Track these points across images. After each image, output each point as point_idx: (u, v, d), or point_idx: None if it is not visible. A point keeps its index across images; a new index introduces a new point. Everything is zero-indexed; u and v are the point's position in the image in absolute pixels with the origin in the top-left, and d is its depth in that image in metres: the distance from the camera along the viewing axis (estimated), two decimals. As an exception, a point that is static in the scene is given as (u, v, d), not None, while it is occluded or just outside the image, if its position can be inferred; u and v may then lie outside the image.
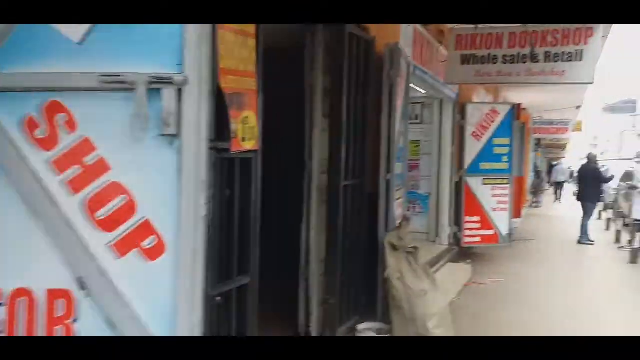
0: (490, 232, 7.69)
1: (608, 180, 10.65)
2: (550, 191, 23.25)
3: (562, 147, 33.25)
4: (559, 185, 21.10)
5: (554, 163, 28.79)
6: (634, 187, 9.53)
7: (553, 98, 13.29)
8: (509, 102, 8.30)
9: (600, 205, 13.82)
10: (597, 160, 10.49)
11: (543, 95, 12.62)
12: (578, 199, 10.15)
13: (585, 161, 10.44)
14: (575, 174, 15.47)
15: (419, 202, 8.18)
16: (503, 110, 7.63)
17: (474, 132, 7.54)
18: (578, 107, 15.44)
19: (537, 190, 18.28)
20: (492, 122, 7.58)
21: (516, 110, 7.73)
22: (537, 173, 19.96)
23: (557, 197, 20.94)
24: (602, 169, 11.41)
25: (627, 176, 13.02)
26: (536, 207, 17.78)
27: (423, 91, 6.48)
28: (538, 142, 23.39)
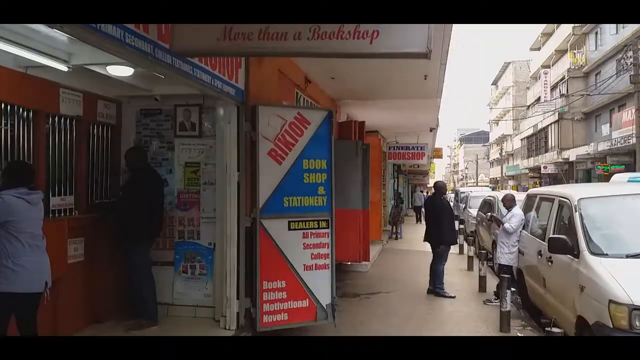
0: (304, 304, 5.00)
1: (455, 216, 8.60)
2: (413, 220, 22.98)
3: (424, 173, 33.28)
4: (417, 209, 22.90)
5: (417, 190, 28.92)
6: (498, 222, 7.53)
7: (402, 117, 11.48)
8: (324, 107, 5.63)
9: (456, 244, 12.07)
10: (445, 191, 8.38)
11: (390, 113, 10.69)
12: (425, 239, 7.98)
13: (432, 192, 8.34)
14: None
15: (199, 259, 5.28)
16: (315, 118, 5.09)
17: (272, 150, 4.87)
18: (432, 130, 14.00)
19: (397, 220, 16.55)
20: (300, 135, 4.99)
21: (335, 119, 5.21)
22: (398, 201, 18.40)
23: (418, 219, 22.37)
24: (450, 202, 9.45)
25: (487, 205, 11.48)
26: (396, 238, 16.00)
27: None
28: (398, 168, 22.34)
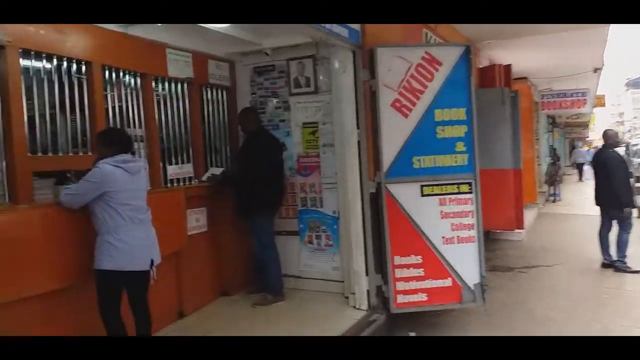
0: (445, 283, 4.18)
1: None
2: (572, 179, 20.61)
3: (584, 125, 29.15)
4: (579, 166, 21.67)
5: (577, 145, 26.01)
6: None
7: (558, 56, 9.65)
8: (458, 42, 4.35)
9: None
10: (617, 142, 6.56)
11: (542, 52, 9.00)
12: (597, 202, 6.45)
13: (602, 144, 6.64)
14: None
15: (324, 228, 4.77)
16: (449, 57, 4.11)
17: (396, 100, 4.06)
18: (596, 70, 11.71)
19: (554, 180, 14.51)
20: (430, 80, 4.08)
21: (474, 61, 4.19)
22: (554, 158, 16.13)
23: (579, 178, 21.27)
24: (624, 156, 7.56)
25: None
26: (554, 201, 14.09)
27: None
28: (553, 121, 19.69)
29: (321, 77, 4.66)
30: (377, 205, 4.15)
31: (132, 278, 3.06)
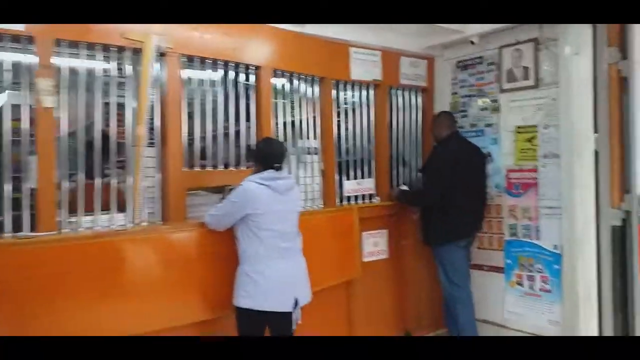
0: None
1: None
2: None
3: None
4: None
5: None
6: None
7: None
8: None
9: None
10: None
11: None
12: None
13: None
14: None
15: (540, 267, 3.64)
16: None
17: (662, 89, 2.67)
18: None
19: None
20: None
21: None
22: None
23: None
24: None
25: None
26: None
27: None
28: None
29: (545, 67, 3.49)
30: (622, 243, 2.83)
31: (271, 319, 2.56)
